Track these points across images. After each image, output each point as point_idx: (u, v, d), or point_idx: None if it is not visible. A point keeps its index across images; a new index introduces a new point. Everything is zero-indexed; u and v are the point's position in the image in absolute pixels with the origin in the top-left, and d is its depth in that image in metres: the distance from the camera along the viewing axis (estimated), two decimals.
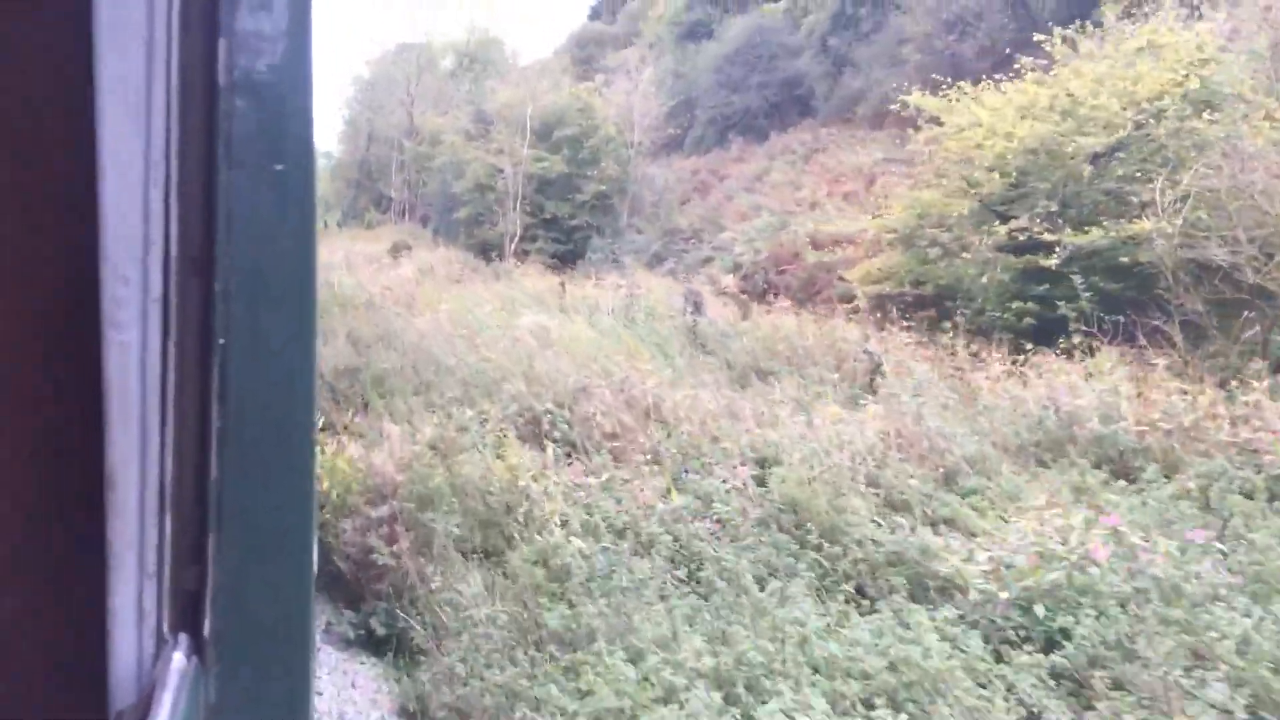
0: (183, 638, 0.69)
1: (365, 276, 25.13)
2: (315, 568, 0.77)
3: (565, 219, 31.97)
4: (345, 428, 8.92)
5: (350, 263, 33.36)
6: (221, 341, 0.69)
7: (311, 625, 0.79)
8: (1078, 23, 16.64)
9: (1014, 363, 10.45)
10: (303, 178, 0.79)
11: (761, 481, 6.59)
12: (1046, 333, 12.13)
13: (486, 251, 33.32)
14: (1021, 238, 13.80)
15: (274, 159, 0.74)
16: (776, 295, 20.50)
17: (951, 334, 12.77)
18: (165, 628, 0.68)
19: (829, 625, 4.48)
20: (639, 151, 32.56)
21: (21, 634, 0.70)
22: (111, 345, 0.65)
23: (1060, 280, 12.71)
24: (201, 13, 0.67)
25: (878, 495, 6.29)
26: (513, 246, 31.04)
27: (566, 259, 31.87)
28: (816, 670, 3.98)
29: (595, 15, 69.85)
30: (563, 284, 19.94)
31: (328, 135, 62.43)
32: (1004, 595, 4.40)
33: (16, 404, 0.69)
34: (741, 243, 24.27)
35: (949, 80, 18.34)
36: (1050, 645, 4.20)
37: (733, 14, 49.94)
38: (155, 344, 0.66)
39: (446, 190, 37.37)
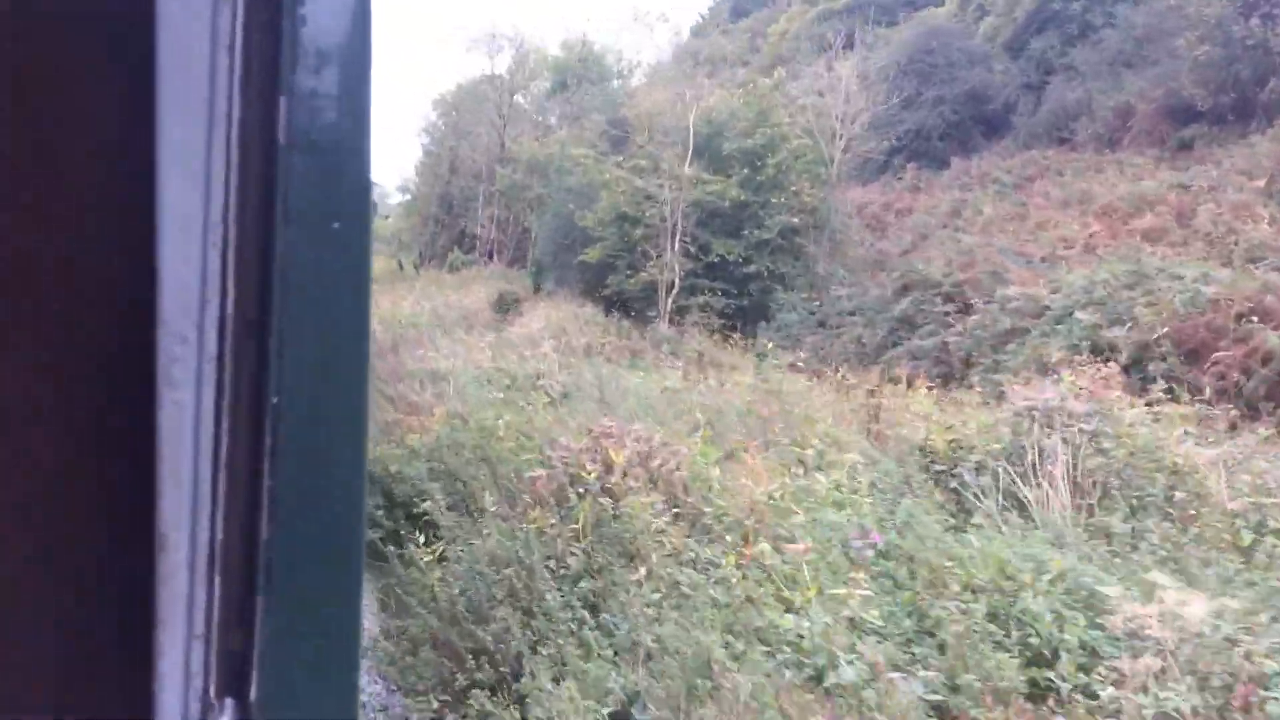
0: (229, 702, 0.68)
1: (476, 351, 16.05)
2: (361, 631, 0.60)
3: (736, 264, 22.62)
4: None
5: (441, 320, 24.52)
6: (275, 401, 0.67)
7: (356, 690, 0.77)
8: None
9: None
10: (359, 235, 0.77)
11: None
12: None
13: (625, 307, 24.08)
14: None
15: (331, 217, 0.73)
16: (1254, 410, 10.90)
17: None
18: (212, 691, 0.68)
19: None
20: (841, 171, 23.29)
21: (70, 695, 0.69)
22: (166, 404, 0.65)
23: None
24: (262, 71, 0.66)
25: None
26: (669, 303, 21.69)
27: (737, 320, 22.53)
28: None
29: (700, 33, 61.38)
30: (875, 406, 10.38)
31: (405, 166, 54.29)
32: None
33: (72, 464, 0.69)
34: (1085, 308, 14.69)
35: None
36: None
37: (879, 25, 40.73)
38: (209, 403, 0.65)
39: (562, 225, 28.28)
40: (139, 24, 0.62)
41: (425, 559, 6.62)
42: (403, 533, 7.77)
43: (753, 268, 22.38)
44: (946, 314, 17.82)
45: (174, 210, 0.64)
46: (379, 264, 56.04)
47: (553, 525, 5.76)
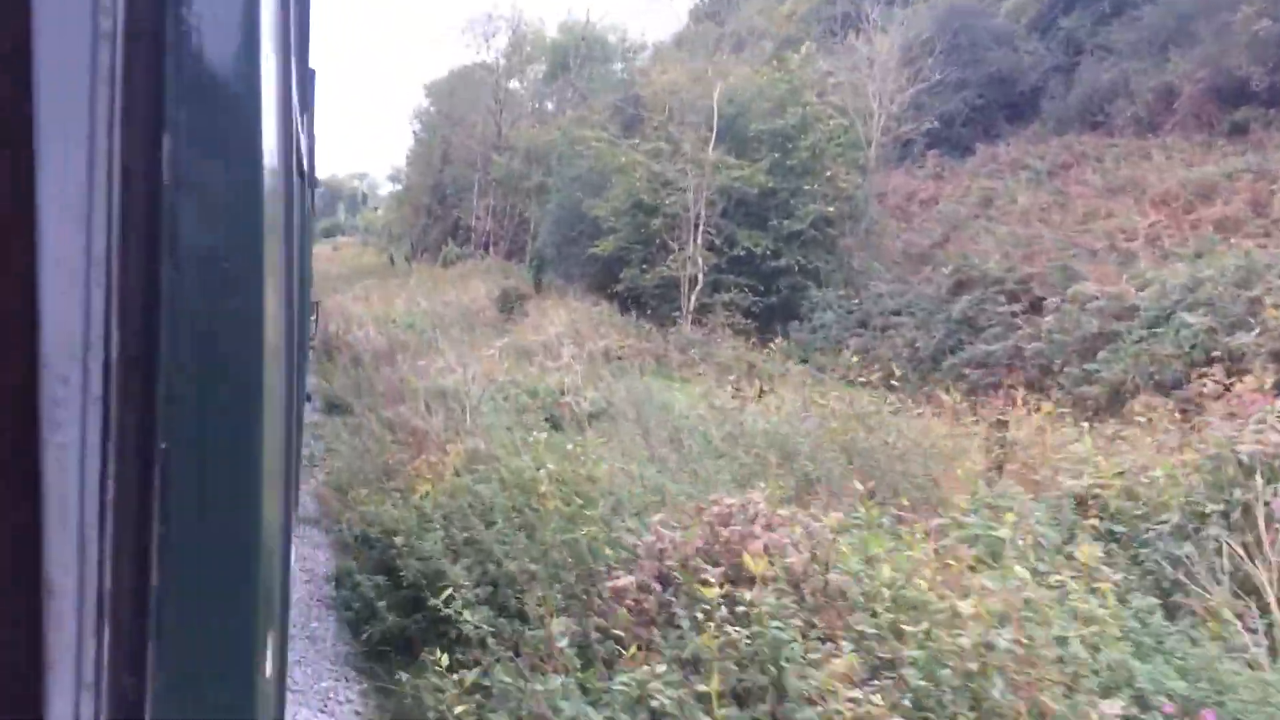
0: None
1: (486, 360, 13.86)
2: (267, 671, 0.72)
3: (764, 258, 20.43)
4: None
5: (440, 320, 22.24)
6: (164, 446, 0.66)
7: None
8: None
9: None
10: (252, 274, 0.75)
11: None
12: None
13: (641, 304, 21.87)
14: None
15: (220, 257, 0.72)
16: None
17: None
18: None
19: None
20: (881, 155, 21.11)
21: None
22: (50, 446, 0.63)
23: None
24: (145, 108, 0.64)
25: None
26: (693, 300, 19.51)
27: (764, 319, 20.38)
28: None
29: (699, 17, 58.91)
30: (1004, 440, 8.18)
31: (396, 154, 51.93)
32: None
33: None
34: (1191, 310, 12.59)
35: None
36: None
37: (889, 4, 38.53)
38: (95, 446, 0.64)
39: (567, 215, 26.03)
40: (16, 59, 0.60)
41: (449, 690, 4.45)
42: (415, 638, 5.58)
43: (782, 262, 20.21)
44: (1013, 314, 15.70)
45: (55, 249, 0.62)
46: (369, 257, 53.69)
47: (657, 675, 3.60)
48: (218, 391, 0.71)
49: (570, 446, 6.80)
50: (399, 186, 58.72)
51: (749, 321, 20.12)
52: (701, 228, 19.79)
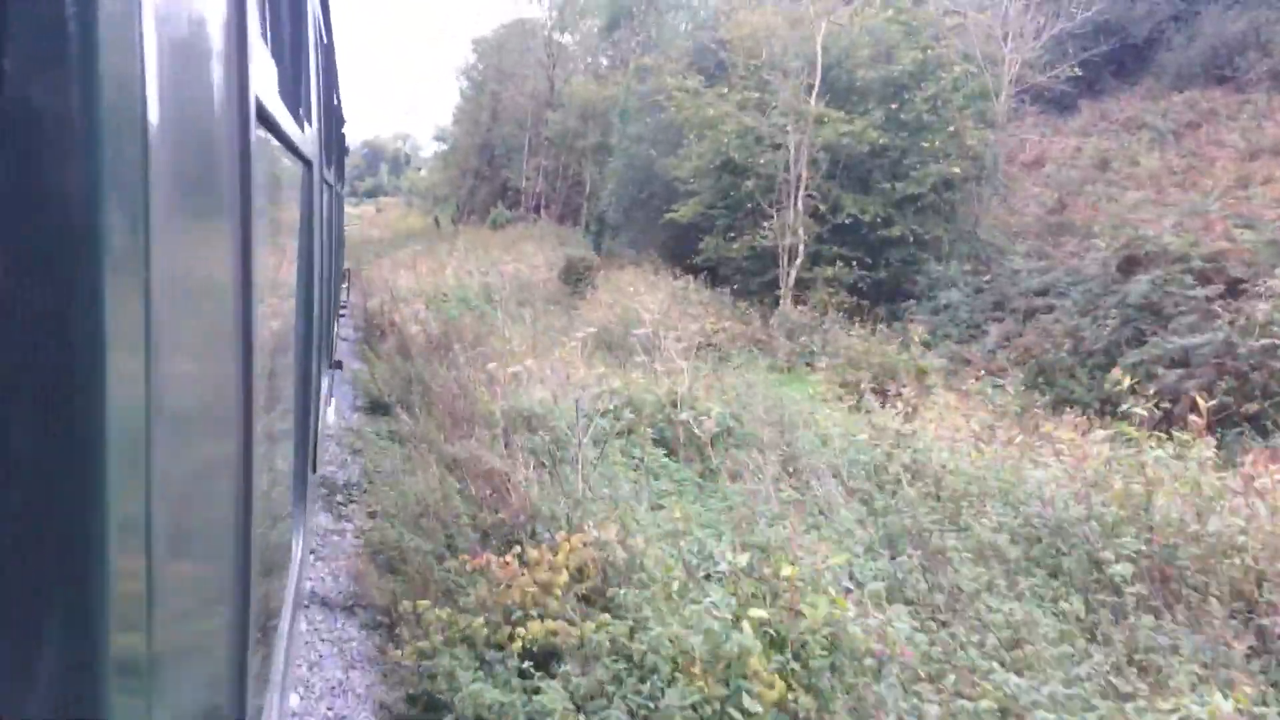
0: None
1: (569, 356, 11.05)
2: None
3: (872, 226, 17.35)
4: None
5: (497, 294, 19.46)
6: None
7: None
8: None
9: None
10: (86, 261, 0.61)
11: None
12: None
13: (724, 278, 18.92)
14: None
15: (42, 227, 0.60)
16: None
17: None
18: None
19: None
20: (1010, 109, 17.86)
21: None
22: None
23: None
24: None
25: None
26: (792, 274, 16.52)
27: (873, 298, 17.35)
28: None
29: None
30: None
31: (442, 113, 49.11)
32: None
33: None
34: None
35: None
36: None
37: None
38: None
39: (637, 176, 23.00)
40: None
41: None
42: None
43: (893, 230, 17.09)
44: (1209, 300, 12.53)
45: None
46: (413, 220, 51.06)
47: None
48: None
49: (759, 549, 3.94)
50: (444, 147, 55.86)
51: (853, 299, 17.09)
52: (803, 191, 16.70)
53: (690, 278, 18.98)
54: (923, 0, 17.89)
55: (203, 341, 0.94)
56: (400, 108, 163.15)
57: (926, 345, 13.29)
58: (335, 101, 6.79)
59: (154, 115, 0.68)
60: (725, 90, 18.23)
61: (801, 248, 16.82)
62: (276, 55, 2.00)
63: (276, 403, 1.88)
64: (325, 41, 4.23)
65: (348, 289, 14.09)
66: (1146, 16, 29.70)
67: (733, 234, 18.65)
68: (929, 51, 16.79)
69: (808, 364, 13.99)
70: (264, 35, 1.70)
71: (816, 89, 16.93)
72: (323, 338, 4.33)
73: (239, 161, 1.12)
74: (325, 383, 5.38)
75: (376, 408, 12.07)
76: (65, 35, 0.57)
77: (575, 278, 19.36)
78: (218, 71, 0.97)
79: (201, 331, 0.94)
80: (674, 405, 8.83)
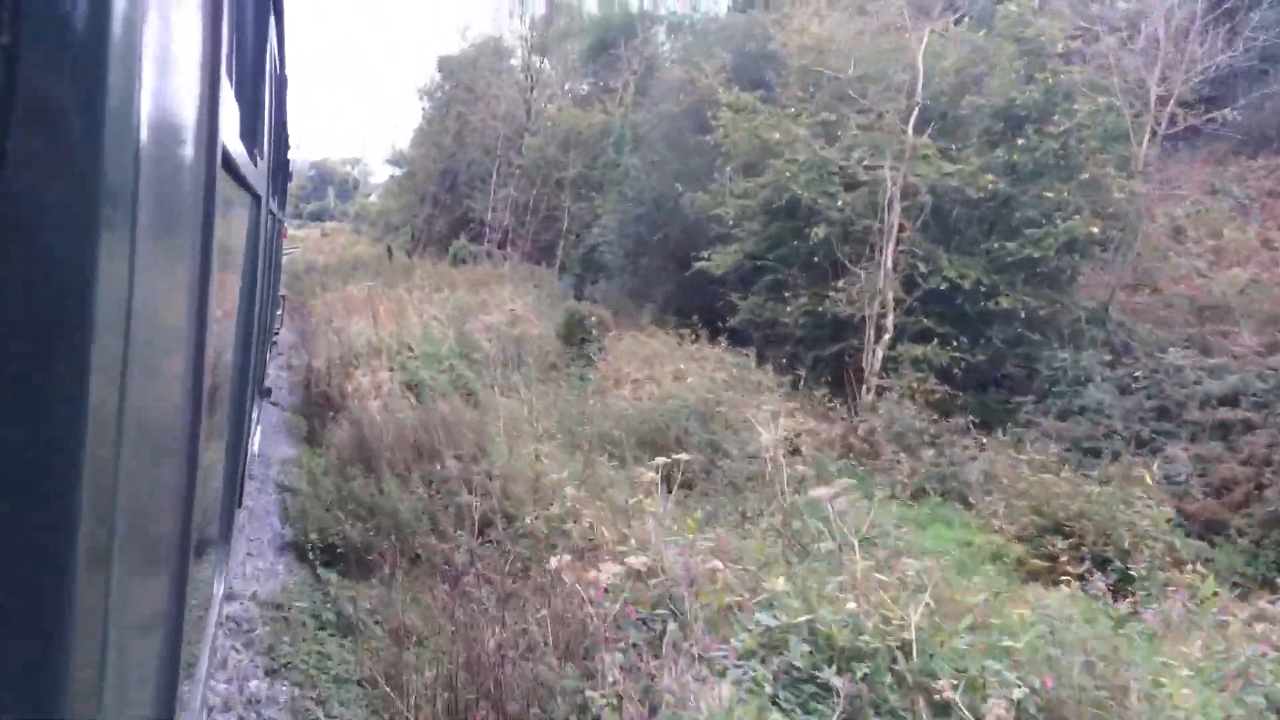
0: None
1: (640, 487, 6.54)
2: None
3: (971, 296, 13.30)
4: None
5: (479, 353, 14.90)
6: None
7: None
8: None
9: None
10: (81, 270, 0.64)
11: None
12: None
13: (763, 343, 14.67)
14: None
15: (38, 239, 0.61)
16: None
17: None
18: None
19: None
20: (1161, 149, 14.07)
21: None
22: None
23: None
24: None
25: None
26: (879, 351, 12.32)
27: (963, 386, 13.26)
28: None
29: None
30: None
31: (399, 134, 44.62)
32: None
33: None
34: None
35: None
36: None
37: None
38: None
39: (647, 214, 18.76)
40: None
41: None
42: None
43: (1001, 302, 13.04)
44: None
45: None
46: (362, 248, 45.97)
47: None
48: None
49: None
50: (398, 171, 50.89)
51: (942, 386, 12.96)
52: (895, 245, 12.58)
53: (716, 341, 14.69)
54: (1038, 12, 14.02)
55: (162, 370, 0.95)
56: (354, 130, 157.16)
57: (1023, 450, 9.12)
58: (284, 130, 6.42)
59: (145, 156, 0.71)
60: (791, 110, 14.08)
61: (891, 319, 12.64)
62: (239, 94, 2.02)
63: (216, 432, 1.97)
64: (279, 73, 4.35)
65: (281, 315, 12.66)
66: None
67: (789, 293, 14.42)
68: (1059, 77, 12.88)
69: (941, 493, 9.71)
70: (229, 74, 1.63)
71: (915, 116, 12.88)
72: (257, 367, 4.36)
73: (203, 203, 1.16)
74: (255, 411, 5.05)
75: (318, 550, 7.46)
76: (71, 75, 0.59)
77: (580, 337, 14.90)
78: (192, 116, 1.00)
79: (162, 360, 0.94)
80: (904, 653, 4.47)
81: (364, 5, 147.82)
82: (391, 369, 13.38)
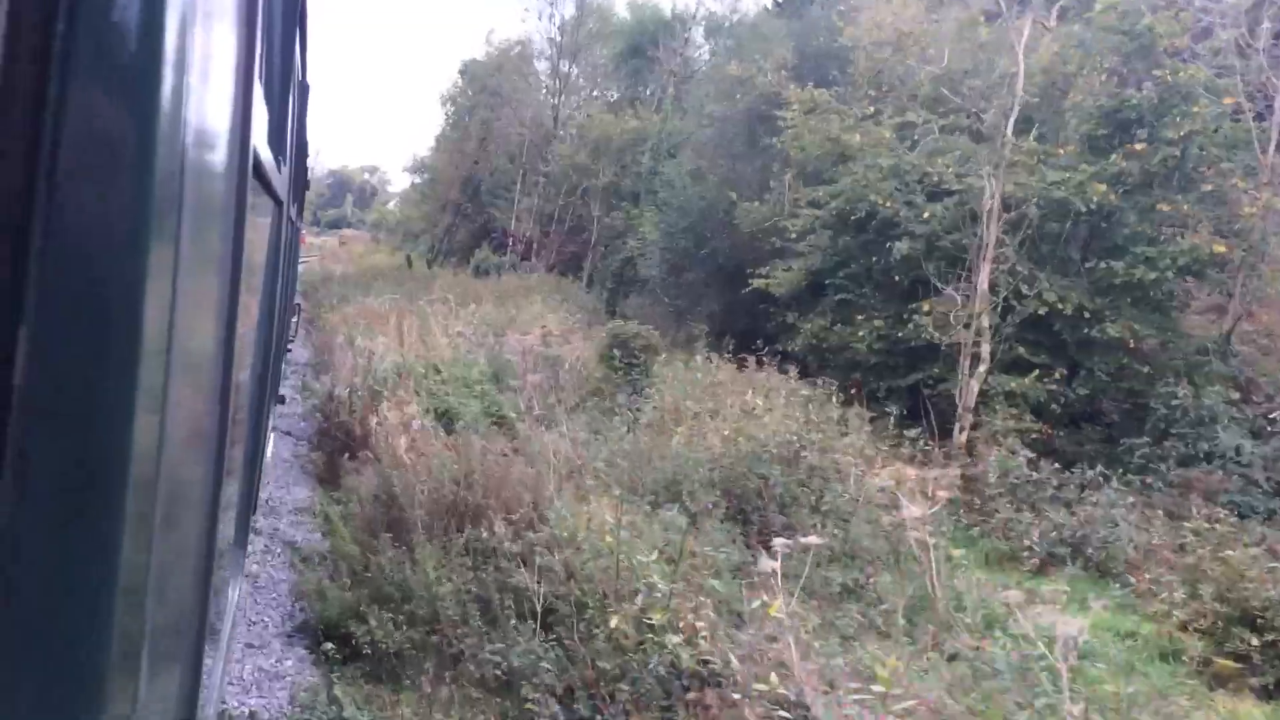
0: None
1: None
2: None
3: (1072, 322, 11.70)
4: None
5: (515, 376, 13.30)
6: None
7: None
8: None
9: None
10: (130, 290, 0.64)
11: None
12: None
13: (823, 369, 13.05)
14: None
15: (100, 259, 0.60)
16: None
17: None
18: None
19: None
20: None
21: None
22: None
23: None
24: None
25: None
26: (974, 384, 10.70)
27: (1064, 424, 11.66)
28: None
29: None
30: None
31: (419, 141, 43.40)
32: None
33: None
34: None
35: None
36: None
37: None
38: None
39: (694, 225, 17.23)
40: None
41: None
42: None
43: (1107, 330, 11.43)
44: None
45: None
46: (381, 257, 44.63)
47: None
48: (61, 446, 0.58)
49: None
50: (418, 179, 49.53)
51: (1037, 423, 11.35)
52: (990, 264, 11.00)
53: (759, 367, 13.13)
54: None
55: (197, 378, 0.96)
56: (372, 138, 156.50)
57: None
58: (304, 137, 6.29)
59: (190, 165, 0.72)
60: (871, 111, 12.51)
61: (986, 348, 11.05)
62: (267, 99, 2.01)
63: (239, 437, 2.00)
64: (301, 80, 4.26)
65: (297, 323, 12.22)
66: None
67: (859, 315, 12.85)
68: (1179, 75, 11.30)
69: (1079, 563, 8.08)
70: (260, 79, 1.63)
71: (1014, 118, 11.31)
72: (274, 373, 4.37)
73: (235, 209, 1.16)
74: (271, 418, 5.03)
75: (332, 635, 5.93)
76: (124, 88, 0.58)
77: (625, 360, 13.35)
78: (228, 122, 1.02)
79: (197, 369, 0.95)
80: None
81: (383, 12, 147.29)
82: (418, 393, 11.89)
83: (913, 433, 10.36)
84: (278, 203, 2.67)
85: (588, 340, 17.69)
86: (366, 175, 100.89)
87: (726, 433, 9.67)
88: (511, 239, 35.68)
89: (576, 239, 34.51)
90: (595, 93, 37.81)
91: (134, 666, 0.72)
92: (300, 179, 6.80)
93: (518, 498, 6.81)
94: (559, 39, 35.82)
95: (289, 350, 10.04)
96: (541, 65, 35.85)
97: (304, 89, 4.85)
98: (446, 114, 42.78)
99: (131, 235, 0.61)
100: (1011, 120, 11.36)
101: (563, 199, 34.16)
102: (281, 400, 8.51)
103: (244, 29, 1.09)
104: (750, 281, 14.40)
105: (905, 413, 12.02)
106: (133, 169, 0.60)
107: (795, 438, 9.15)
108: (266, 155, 1.85)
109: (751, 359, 12.38)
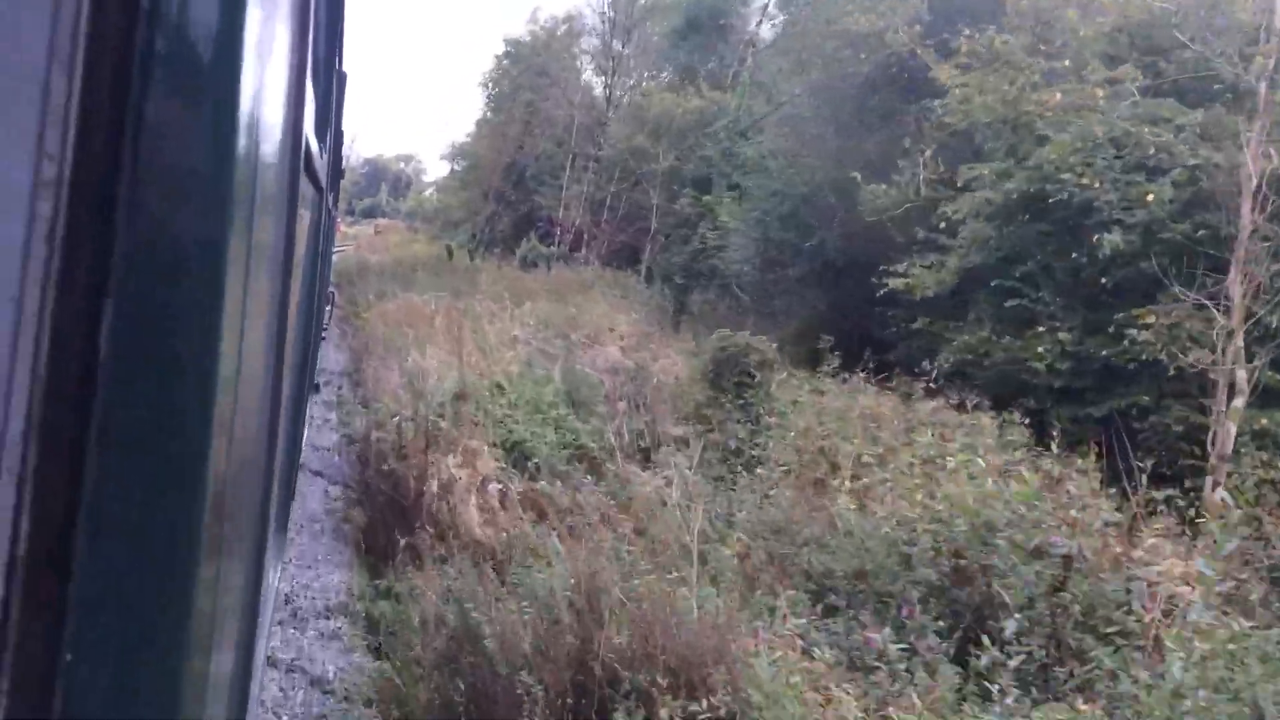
0: None
1: None
2: None
3: None
4: None
5: (593, 392, 10.50)
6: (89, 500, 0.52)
7: None
8: None
9: None
10: (209, 311, 0.65)
11: None
12: None
13: (977, 395, 10.13)
14: None
15: (178, 280, 0.62)
16: None
17: None
18: None
19: None
20: None
21: None
22: None
23: None
24: (87, 280, 0.53)
25: None
26: (1230, 430, 7.72)
27: None
28: None
29: None
30: None
31: (457, 128, 40.84)
32: None
33: None
34: None
35: None
36: None
37: None
38: (7, 504, 0.49)
39: (796, 214, 14.41)
40: None
41: None
42: None
43: None
44: None
45: None
46: (419, 247, 42.04)
47: None
48: (149, 453, 0.60)
49: None
50: (456, 166, 46.85)
51: None
52: (1241, 263, 8.11)
53: (874, 382, 10.35)
54: None
55: (256, 368, 0.96)
56: (408, 126, 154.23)
57: None
58: (341, 125, 6.12)
59: (257, 150, 0.73)
60: (1066, 62, 9.60)
61: (1242, 373, 8.17)
62: (314, 88, 2.03)
63: (285, 423, 1.97)
64: (339, 68, 4.30)
65: (331, 310, 11.22)
66: None
67: (1035, 326, 10.00)
68: None
69: None
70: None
71: (1273, 64, 8.39)
72: (312, 361, 4.45)
73: (288, 197, 1.16)
74: (307, 405, 5.02)
75: None
76: (201, 84, 0.59)
77: (735, 381, 10.58)
78: (282, 111, 1.01)
79: (257, 358, 0.95)
80: None
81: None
82: (479, 421, 9.25)
83: (1160, 492, 7.51)
84: (319, 189, 2.66)
85: (665, 346, 14.94)
86: (401, 164, 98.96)
87: (920, 497, 6.89)
88: (559, 228, 32.97)
89: (629, 228, 31.78)
90: (650, 72, 34.94)
91: (206, 645, 0.72)
92: (336, 167, 6.60)
93: (689, 648, 4.08)
94: (611, 14, 32.99)
95: (323, 338, 9.30)
96: (592, 43, 32.99)
97: (342, 77, 4.67)
98: (488, 96, 40.08)
99: (209, 228, 0.61)
100: (1271, 67, 8.44)
101: (615, 185, 31.42)
102: (317, 388, 8.15)
103: (298, 20, 1.08)
104: (882, 280, 11.56)
105: (1101, 450, 9.16)
106: (209, 164, 0.60)
107: (1015, 512, 6.35)
108: (314, 145, 1.91)
109: (919, 386, 9.57)
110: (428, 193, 65.64)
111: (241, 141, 0.65)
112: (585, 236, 32.22)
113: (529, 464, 8.95)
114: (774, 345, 11.25)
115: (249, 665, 1.23)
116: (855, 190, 12.66)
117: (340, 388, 13.16)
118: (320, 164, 2.43)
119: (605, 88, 31.45)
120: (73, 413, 0.48)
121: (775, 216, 14.78)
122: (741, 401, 10.35)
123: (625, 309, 19.43)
